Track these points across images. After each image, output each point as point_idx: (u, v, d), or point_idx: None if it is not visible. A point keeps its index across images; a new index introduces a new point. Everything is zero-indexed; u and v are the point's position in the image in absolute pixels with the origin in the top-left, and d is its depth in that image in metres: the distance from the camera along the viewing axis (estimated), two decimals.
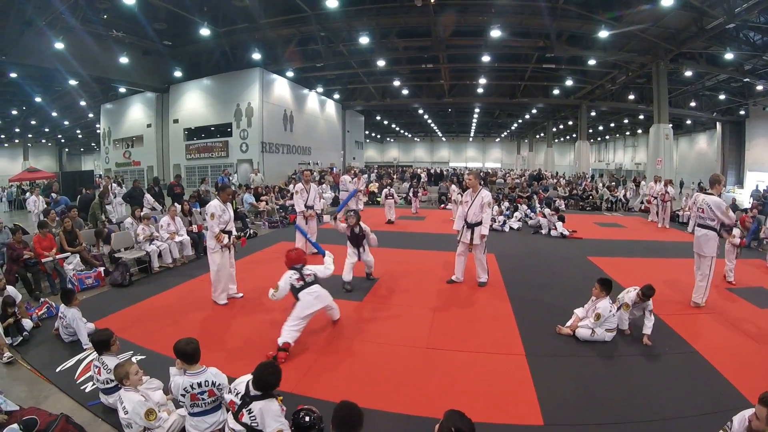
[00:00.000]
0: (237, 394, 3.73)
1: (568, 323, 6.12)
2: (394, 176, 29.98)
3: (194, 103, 29.18)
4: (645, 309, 5.88)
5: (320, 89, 34.90)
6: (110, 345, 4.63)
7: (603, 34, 19.74)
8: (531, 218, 15.64)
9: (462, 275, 8.45)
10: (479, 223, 7.93)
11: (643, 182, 16.90)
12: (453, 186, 18.25)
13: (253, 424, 3.57)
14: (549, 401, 4.48)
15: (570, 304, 6.46)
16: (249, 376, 3.76)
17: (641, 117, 40.69)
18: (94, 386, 4.69)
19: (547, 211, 14.42)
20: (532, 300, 7.59)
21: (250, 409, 3.58)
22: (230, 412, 3.79)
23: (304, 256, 6.23)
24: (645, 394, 4.63)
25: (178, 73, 27.98)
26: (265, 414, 3.54)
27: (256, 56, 24.91)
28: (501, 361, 5.37)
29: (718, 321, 6.68)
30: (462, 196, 8.83)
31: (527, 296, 7.79)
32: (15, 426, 3.60)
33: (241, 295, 7.83)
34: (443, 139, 73.35)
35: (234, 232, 7.82)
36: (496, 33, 20.80)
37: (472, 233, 7.97)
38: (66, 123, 44.63)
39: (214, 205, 7.45)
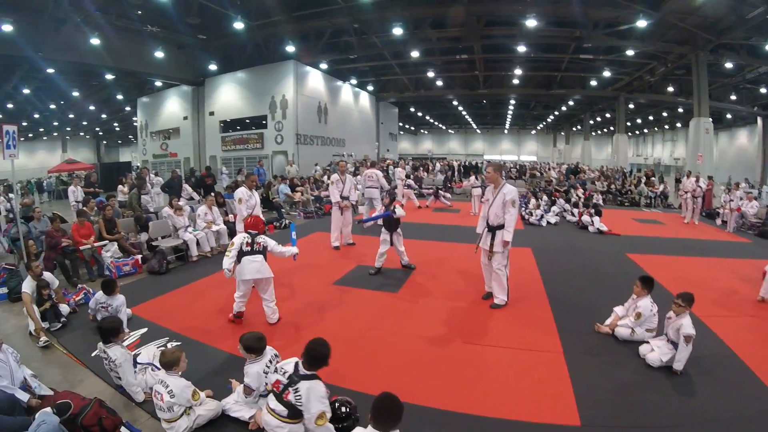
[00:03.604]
0: (284, 373, 3.76)
1: (607, 321, 5.96)
2: (430, 167, 29.66)
3: (229, 95, 29.51)
4: (679, 331, 4.89)
5: (354, 81, 34.85)
6: (118, 333, 4.67)
7: (641, 23, 19.18)
8: (573, 215, 15.30)
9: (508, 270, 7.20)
10: (502, 226, 6.64)
11: (684, 179, 16.51)
12: (471, 177, 17.83)
13: (297, 404, 3.60)
14: (586, 401, 4.37)
15: (609, 302, 6.31)
16: (296, 358, 3.81)
17: (680, 110, 39.38)
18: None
19: (586, 218, 14.03)
20: (570, 296, 7.45)
21: (296, 389, 3.61)
22: (273, 392, 3.82)
23: (262, 225, 6.50)
24: (683, 397, 4.51)
25: (212, 67, 28.32)
26: (311, 394, 3.57)
27: (290, 49, 25.01)
28: (538, 358, 5.27)
29: (759, 324, 6.44)
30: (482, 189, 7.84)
31: (565, 292, 7.64)
32: (48, 409, 3.66)
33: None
34: (477, 131, 72.30)
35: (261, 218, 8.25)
36: (531, 22, 20.33)
37: (493, 237, 6.75)
38: (103, 116, 45.65)
39: (242, 191, 8.40)
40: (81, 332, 6.14)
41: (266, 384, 4.01)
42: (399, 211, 8.11)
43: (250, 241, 6.08)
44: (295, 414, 3.64)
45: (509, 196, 6.58)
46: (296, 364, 3.75)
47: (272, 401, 3.75)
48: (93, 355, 5.35)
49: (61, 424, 3.49)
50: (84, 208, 10.23)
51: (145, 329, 5.90)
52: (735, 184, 16.20)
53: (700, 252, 11.18)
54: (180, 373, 4.11)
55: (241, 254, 5.98)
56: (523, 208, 15.84)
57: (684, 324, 4.85)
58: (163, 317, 6.48)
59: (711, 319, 6.32)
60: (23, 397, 4.05)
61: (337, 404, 3.93)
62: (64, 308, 6.56)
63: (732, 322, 6.44)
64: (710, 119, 24.37)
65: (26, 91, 30.43)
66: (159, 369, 4.30)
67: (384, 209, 8.32)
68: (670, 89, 32.14)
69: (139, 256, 9.26)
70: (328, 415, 3.62)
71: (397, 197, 18.30)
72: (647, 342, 5.35)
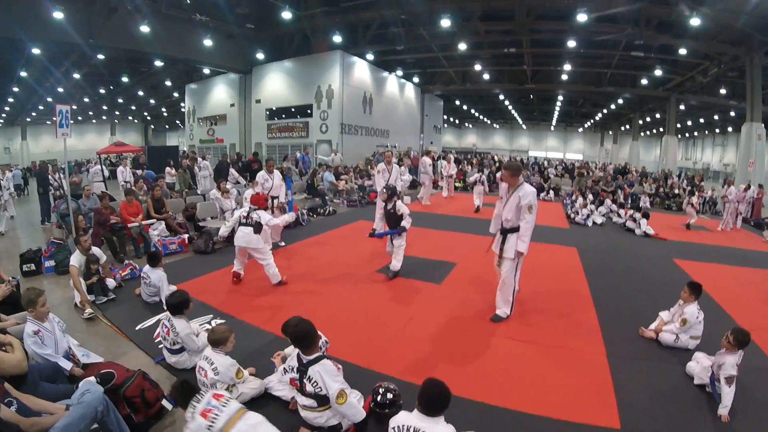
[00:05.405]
0: (293, 368, 3.81)
1: (652, 326, 5.81)
2: (474, 161, 29.39)
3: (276, 84, 29.78)
4: (721, 370, 4.32)
5: (400, 72, 34.50)
6: (184, 308, 4.77)
7: (694, 21, 18.40)
8: (620, 216, 14.96)
9: (517, 285, 6.51)
10: (516, 229, 5.89)
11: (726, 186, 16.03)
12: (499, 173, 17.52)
13: (317, 391, 3.62)
14: (627, 405, 4.30)
15: (653, 306, 6.16)
16: (296, 350, 3.83)
17: (732, 114, 37.75)
18: (159, 343, 4.90)
19: (637, 215, 13.72)
20: (614, 298, 7.33)
21: (309, 377, 3.63)
22: (296, 390, 3.85)
23: (263, 202, 7.56)
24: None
25: (260, 56, 28.61)
26: (323, 375, 3.59)
27: (337, 39, 25.03)
28: (581, 358, 5.19)
29: None
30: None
31: (610, 293, 7.52)
32: (92, 379, 3.74)
33: (283, 243, 9.82)
34: (523, 126, 70.77)
35: (281, 198, 9.95)
36: (582, 17, 19.85)
37: (504, 241, 6.03)
38: (152, 101, 46.77)
39: (260, 174, 9.85)
40: (126, 306, 6.36)
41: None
42: (404, 223, 7.60)
43: (246, 214, 7.17)
44: (322, 401, 3.67)
45: (525, 200, 5.73)
46: (298, 355, 3.79)
47: (300, 398, 3.80)
48: (137, 328, 5.51)
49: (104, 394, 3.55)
50: (132, 188, 10.55)
51: None
52: None
53: (748, 262, 10.68)
54: (226, 352, 4.17)
55: (240, 224, 7.11)
56: (570, 207, 15.76)
57: (726, 363, 4.28)
58: (207, 294, 6.67)
59: (757, 333, 5.94)
60: (66, 365, 4.16)
61: (381, 390, 3.96)
62: (111, 282, 6.80)
63: None
64: (763, 125, 23.40)
65: (77, 75, 31.11)
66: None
67: (387, 227, 7.93)
68: (723, 92, 30.81)
69: (185, 236, 9.56)
70: (348, 391, 3.65)
71: (441, 191, 18.56)
72: (694, 354, 5.08)
